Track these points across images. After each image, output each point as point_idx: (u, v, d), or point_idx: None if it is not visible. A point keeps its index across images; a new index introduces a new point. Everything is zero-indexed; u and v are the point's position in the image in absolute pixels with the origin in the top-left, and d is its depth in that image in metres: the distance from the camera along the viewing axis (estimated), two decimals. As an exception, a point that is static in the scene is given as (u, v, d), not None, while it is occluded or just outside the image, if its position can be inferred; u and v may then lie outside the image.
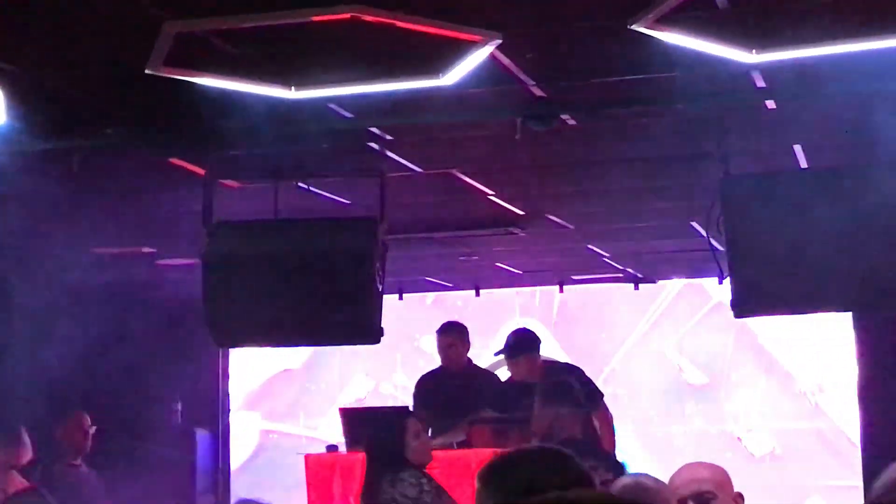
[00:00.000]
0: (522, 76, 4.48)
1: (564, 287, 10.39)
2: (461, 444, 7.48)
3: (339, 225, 5.71)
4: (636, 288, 10.29)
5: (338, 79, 4.14)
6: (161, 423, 9.73)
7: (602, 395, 7.79)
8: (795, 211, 5.01)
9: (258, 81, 4.11)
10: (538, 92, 4.64)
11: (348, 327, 5.67)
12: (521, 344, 7.71)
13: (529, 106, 4.65)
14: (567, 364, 8.36)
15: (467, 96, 4.62)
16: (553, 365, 8.09)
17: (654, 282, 10.31)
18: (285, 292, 5.61)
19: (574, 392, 7.37)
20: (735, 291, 5.03)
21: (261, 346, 8.31)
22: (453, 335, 8.17)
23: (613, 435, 7.58)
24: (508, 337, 7.78)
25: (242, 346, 7.85)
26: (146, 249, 7.87)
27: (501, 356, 7.81)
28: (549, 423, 7.19)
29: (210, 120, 4.96)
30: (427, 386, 8.17)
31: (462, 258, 8.87)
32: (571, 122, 5.00)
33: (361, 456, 7.36)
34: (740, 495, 3.79)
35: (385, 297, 10.19)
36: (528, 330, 7.98)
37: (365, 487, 5.85)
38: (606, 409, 7.68)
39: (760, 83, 4.59)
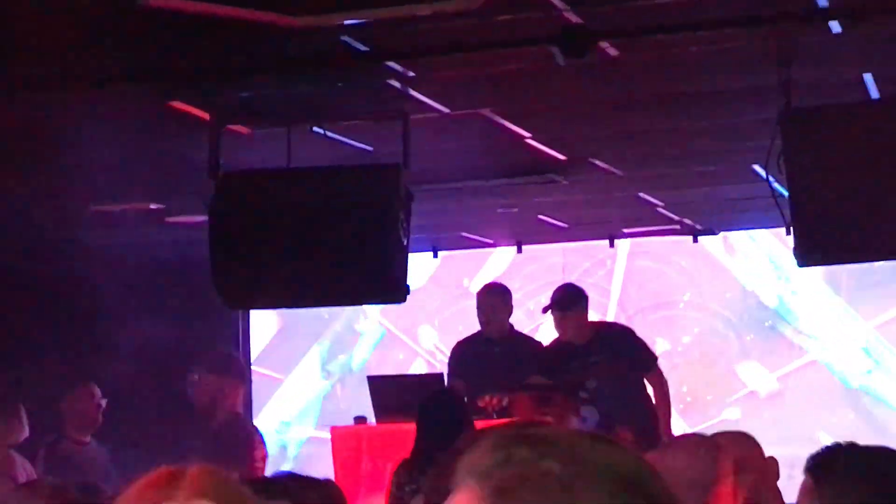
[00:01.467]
0: (556, 0, 4.36)
1: (615, 241, 10.27)
2: (501, 414, 7.42)
3: (358, 173, 5.64)
4: (695, 241, 10.15)
5: (348, 3, 4.04)
6: (176, 395, 9.70)
7: (656, 358, 7.75)
8: (866, 147, 4.88)
9: (259, 8, 4.02)
10: (573, 18, 4.52)
11: (371, 285, 5.61)
12: (572, 297, 7.71)
13: (563, 33, 4.52)
14: (619, 324, 8.28)
15: (496, 25, 4.51)
16: (604, 325, 8.02)
17: (715, 234, 10.17)
18: (301, 248, 5.56)
19: (633, 353, 7.42)
20: (798, 238, 4.91)
21: (275, 307, 8.27)
22: (494, 297, 8.10)
23: (668, 400, 7.55)
24: (556, 291, 7.81)
25: (254, 307, 7.84)
26: (153, 206, 7.82)
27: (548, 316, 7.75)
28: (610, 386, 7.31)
29: (213, 58, 4.89)
30: (463, 353, 8.11)
31: (500, 210, 8.77)
32: (612, 51, 4.87)
33: (391, 427, 7.37)
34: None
35: (420, 255, 10.33)
36: (577, 285, 7.95)
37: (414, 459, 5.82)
38: (661, 373, 7.64)
39: (823, 2, 4.44)
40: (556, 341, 7.83)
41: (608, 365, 7.52)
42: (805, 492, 2.73)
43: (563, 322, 7.66)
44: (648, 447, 4.34)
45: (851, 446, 2.95)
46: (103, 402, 7.81)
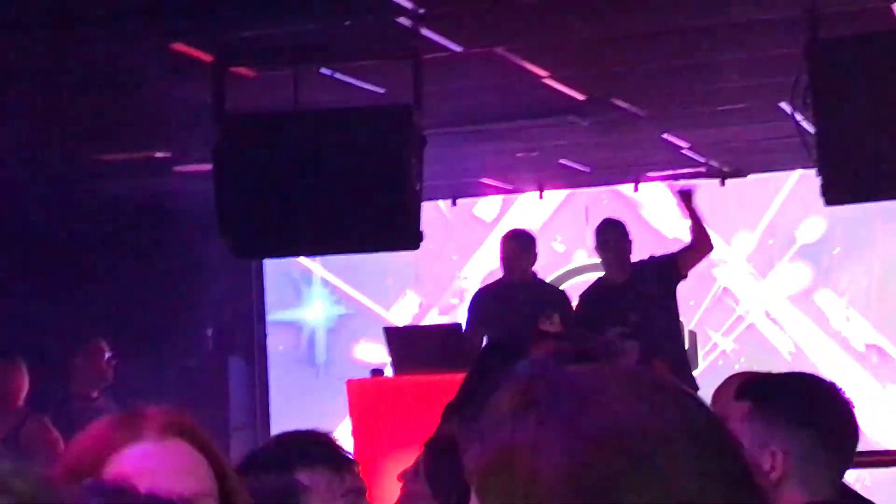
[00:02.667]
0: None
1: (640, 185, 10.24)
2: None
3: (367, 115, 5.63)
4: (722, 184, 10.11)
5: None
6: (190, 351, 9.76)
7: (677, 254, 8.04)
8: (894, 79, 4.83)
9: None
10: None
11: (383, 231, 5.61)
12: (615, 226, 7.89)
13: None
14: (656, 256, 8.24)
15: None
16: (642, 260, 8.06)
17: (743, 176, 10.11)
18: (309, 194, 5.56)
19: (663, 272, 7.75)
20: (825, 175, 4.88)
21: (284, 256, 8.28)
22: (516, 244, 8.11)
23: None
24: (598, 226, 7.98)
25: (263, 256, 7.86)
26: (159, 154, 7.83)
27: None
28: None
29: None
30: (485, 299, 8.12)
31: (520, 154, 8.75)
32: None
33: (410, 379, 7.39)
34: None
35: (439, 202, 10.32)
36: (617, 219, 8.10)
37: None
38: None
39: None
40: (596, 283, 7.99)
41: (647, 297, 7.69)
42: (741, 417, 2.82)
43: (607, 251, 7.84)
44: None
45: (784, 374, 3.23)
46: (113, 360, 7.87)
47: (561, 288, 9.01)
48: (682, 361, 7.85)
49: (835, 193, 4.94)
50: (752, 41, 6.04)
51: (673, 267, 7.92)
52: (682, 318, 8.33)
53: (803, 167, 8.19)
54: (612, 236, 7.86)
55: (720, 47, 6.15)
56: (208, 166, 5.94)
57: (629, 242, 7.88)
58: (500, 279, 8.21)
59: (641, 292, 7.71)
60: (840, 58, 4.93)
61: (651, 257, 8.13)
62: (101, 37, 5.13)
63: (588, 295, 8.02)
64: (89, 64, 5.49)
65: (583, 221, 10.28)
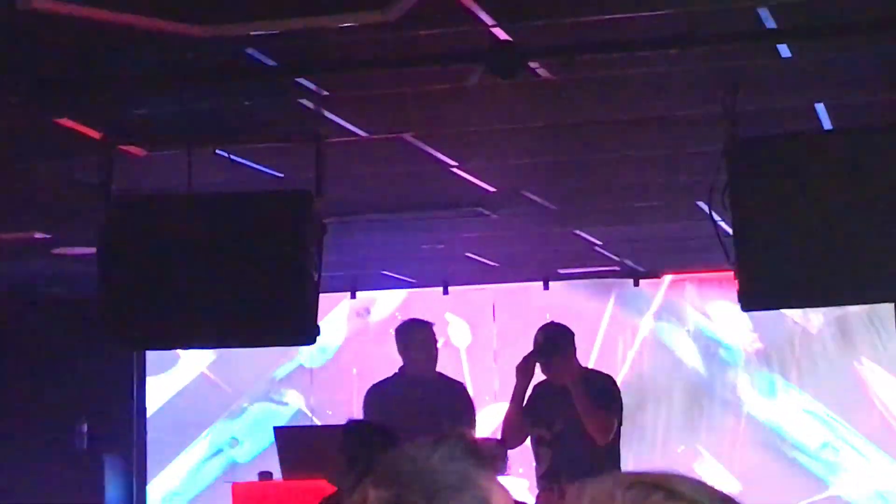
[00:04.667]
0: (482, 14, 4.39)
1: (550, 283, 10.33)
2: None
3: (265, 200, 5.62)
4: (636, 284, 10.24)
5: (254, 13, 4.04)
6: (62, 447, 9.60)
7: (620, 407, 7.79)
8: (817, 182, 4.94)
9: (156, 15, 4.02)
10: (501, 34, 4.55)
11: (277, 325, 5.57)
12: (557, 340, 7.69)
13: (490, 51, 4.56)
14: (605, 373, 8.22)
15: (417, 38, 4.53)
16: (592, 371, 8.04)
17: (657, 276, 10.25)
18: (200, 282, 5.52)
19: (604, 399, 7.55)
20: (742, 280, 4.95)
21: (171, 348, 8.22)
22: (419, 334, 8.10)
23: (597, 422, 7.62)
24: (539, 335, 7.75)
25: (148, 348, 7.76)
26: (38, 235, 7.75)
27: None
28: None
29: (104, 71, 4.86)
30: (382, 396, 8.06)
31: (425, 247, 8.80)
32: (544, 72, 4.91)
33: (300, 484, 7.33)
34: None
35: (337, 295, 10.31)
36: (561, 324, 7.92)
37: None
38: (611, 419, 7.65)
39: (770, 24, 4.51)
40: (540, 384, 7.85)
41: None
42: None
43: (548, 370, 7.68)
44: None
45: None
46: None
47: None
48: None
49: (752, 298, 5.01)
50: (670, 138, 6.15)
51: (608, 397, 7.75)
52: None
53: (721, 269, 8.31)
54: (562, 342, 7.74)
55: (635, 143, 6.24)
56: (91, 249, 5.89)
57: (571, 352, 7.75)
58: (395, 374, 8.17)
59: (573, 403, 7.60)
60: (761, 158, 5.02)
61: (596, 372, 8.06)
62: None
63: (530, 400, 7.85)
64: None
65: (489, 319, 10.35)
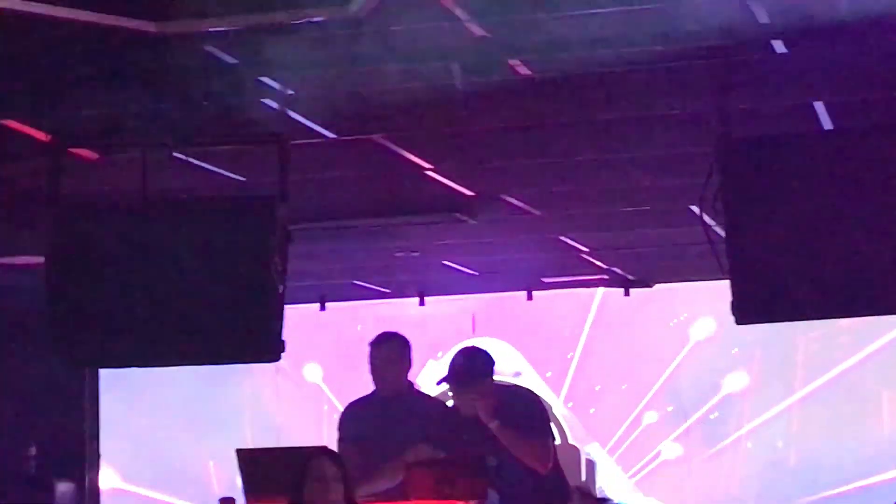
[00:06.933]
0: (458, 10, 4.44)
1: (533, 293, 10.37)
2: (392, 494, 7.43)
3: (225, 206, 5.66)
4: (626, 294, 10.28)
5: (213, 8, 4.08)
6: (8, 473, 9.61)
7: (549, 431, 7.72)
8: (814, 185, 4.99)
9: (108, 11, 4.06)
10: (478, 30, 4.59)
11: (239, 340, 5.61)
12: (473, 369, 7.63)
13: (467, 48, 4.60)
14: (525, 389, 8.25)
15: (388, 34, 4.57)
16: (508, 389, 8.01)
17: (649, 286, 10.30)
18: (156, 296, 5.56)
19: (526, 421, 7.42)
20: (736, 291, 5.00)
21: (125, 366, 8.22)
22: (390, 349, 8.13)
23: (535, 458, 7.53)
24: (455, 359, 7.67)
25: (100, 366, 7.78)
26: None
27: (445, 386, 7.73)
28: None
29: (53, 70, 4.89)
30: (356, 415, 8.12)
31: (400, 254, 8.83)
32: (523, 70, 4.96)
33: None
34: None
35: (306, 306, 10.33)
36: (480, 349, 7.86)
37: None
38: (546, 447, 7.60)
39: (764, 18, 4.56)
40: (451, 414, 7.77)
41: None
42: None
43: (462, 399, 7.59)
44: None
45: None
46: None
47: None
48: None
49: (747, 311, 5.05)
50: (660, 138, 6.18)
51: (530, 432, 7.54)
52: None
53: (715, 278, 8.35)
54: (481, 371, 7.55)
55: (623, 144, 6.27)
56: (39, 259, 5.91)
57: (489, 383, 7.58)
58: (372, 391, 8.22)
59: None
60: (755, 159, 5.06)
61: (513, 390, 7.97)
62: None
63: (436, 423, 7.78)
64: None
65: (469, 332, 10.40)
